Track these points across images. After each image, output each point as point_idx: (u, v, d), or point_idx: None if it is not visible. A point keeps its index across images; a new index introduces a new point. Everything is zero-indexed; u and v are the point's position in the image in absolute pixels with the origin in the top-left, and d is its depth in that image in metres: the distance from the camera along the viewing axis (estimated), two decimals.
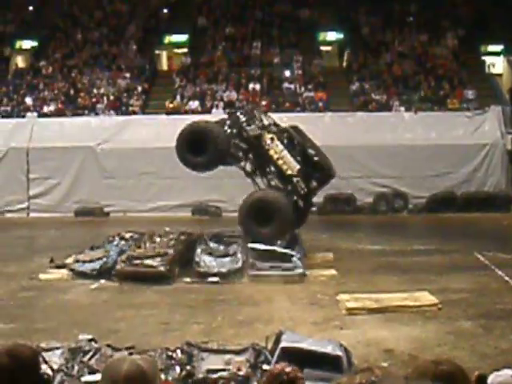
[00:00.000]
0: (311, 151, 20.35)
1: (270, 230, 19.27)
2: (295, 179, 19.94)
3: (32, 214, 28.51)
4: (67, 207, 28.30)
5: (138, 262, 18.45)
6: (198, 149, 19.57)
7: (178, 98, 32.20)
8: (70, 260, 19.39)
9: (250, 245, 19.06)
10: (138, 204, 28.06)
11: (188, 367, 10.74)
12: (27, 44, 36.97)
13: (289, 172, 20.04)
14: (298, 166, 20.02)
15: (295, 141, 20.35)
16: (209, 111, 30.76)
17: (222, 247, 19.71)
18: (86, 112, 31.53)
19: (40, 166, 28.53)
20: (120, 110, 31.86)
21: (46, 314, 15.34)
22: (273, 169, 20.33)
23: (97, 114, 31.49)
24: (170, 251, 18.92)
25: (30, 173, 28.72)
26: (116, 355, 10.73)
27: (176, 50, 37.07)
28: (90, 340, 12.03)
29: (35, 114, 31.52)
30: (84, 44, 35.82)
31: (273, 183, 20.37)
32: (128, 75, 33.51)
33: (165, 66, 37.96)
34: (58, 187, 28.79)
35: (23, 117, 31.24)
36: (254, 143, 20.36)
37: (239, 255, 18.87)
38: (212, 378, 10.50)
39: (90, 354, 11.38)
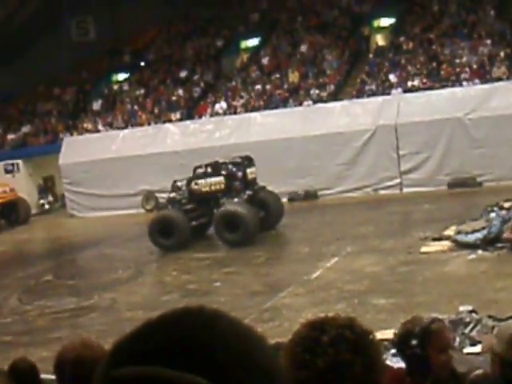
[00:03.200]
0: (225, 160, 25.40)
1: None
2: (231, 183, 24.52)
3: (405, 190, 28.84)
4: (439, 180, 28.21)
5: None
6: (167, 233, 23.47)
7: None
8: (449, 232, 19.43)
9: None
10: (510, 172, 27.22)
11: None
12: (385, 22, 37.48)
13: (222, 186, 24.52)
14: (221, 178, 24.60)
15: (211, 166, 25.07)
16: None
17: None
18: (450, 83, 31.23)
19: (409, 141, 28.72)
20: (484, 77, 31.16)
21: (426, 287, 15.48)
22: (218, 195, 24.51)
23: (461, 84, 31.06)
24: None
25: (400, 149, 29.04)
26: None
27: None
28: (471, 311, 11.97)
29: (400, 90, 31.87)
30: (441, 15, 35.53)
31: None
32: (489, 42, 32.67)
33: None
34: (429, 161, 28.82)
35: (388, 94, 31.73)
36: (192, 197, 24.78)
37: None
38: None
39: (471, 325, 11.33)
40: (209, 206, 24.75)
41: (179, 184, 25.41)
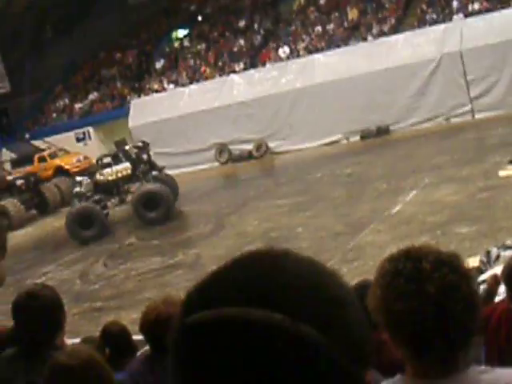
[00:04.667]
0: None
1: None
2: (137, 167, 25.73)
3: (477, 115, 28.36)
4: (511, 102, 27.68)
5: None
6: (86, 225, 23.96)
7: None
8: None
9: None
10: None
11: None
12: None
13: (128, 172, 25.67)
14: (127, 164, 25.68)
15: (113, 155, 26.36)
16: None
17: None
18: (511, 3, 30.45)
19: (476, 66, 28.14)
20: None
21: (508, 212, 15.29)
22: (120, 183, 25.80)
23: None
24: None
25: (468, 75, 28.52)
26: None
27: None
28: None
29: (461, 15, 31.20)
30: None
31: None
32: None
33: None
34: (498, 83, 28.23)
35: (450, 21, 31.11)
36: (98, 188, 25.64)
37: None
38: None
39: None
40: (113, 193, 26.08)
41: (80, 179, 26.42)
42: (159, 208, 23.71)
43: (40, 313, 3.54)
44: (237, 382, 1.05)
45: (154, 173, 25.85)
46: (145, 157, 26.06)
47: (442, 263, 2.12)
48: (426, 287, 2.07)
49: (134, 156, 26.02)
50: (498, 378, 2.12)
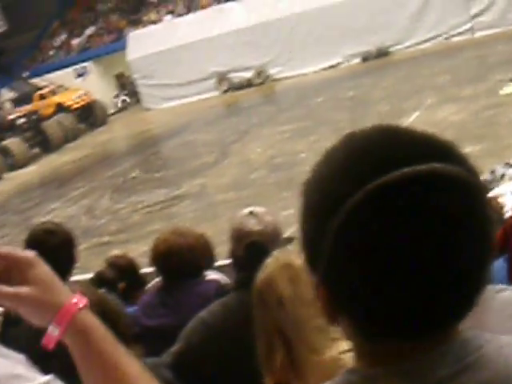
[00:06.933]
0: None
1: None
2: None
3: (477, 34, 28.04)
4: (510, 19, 27.35)
5: None
6: None
7: None
8: None
9: None
10: None
11: None
12: None
13: None
14: None
15: None
16: None
17: None
18: None
19: None
20: None
21: None
22: None
23: None
24: None
25: None
26: None
27: None
28: None
29: None
30: None
31: None
32: None
33: None
34: (498, 1, 27.89)
35: None
36: None
37: None
38: None
39: None
40: None
41: None
42: None
43: (57, 249, 3.54)
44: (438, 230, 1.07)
45: None
46: None
47: None
48: None
49: None
50: None
